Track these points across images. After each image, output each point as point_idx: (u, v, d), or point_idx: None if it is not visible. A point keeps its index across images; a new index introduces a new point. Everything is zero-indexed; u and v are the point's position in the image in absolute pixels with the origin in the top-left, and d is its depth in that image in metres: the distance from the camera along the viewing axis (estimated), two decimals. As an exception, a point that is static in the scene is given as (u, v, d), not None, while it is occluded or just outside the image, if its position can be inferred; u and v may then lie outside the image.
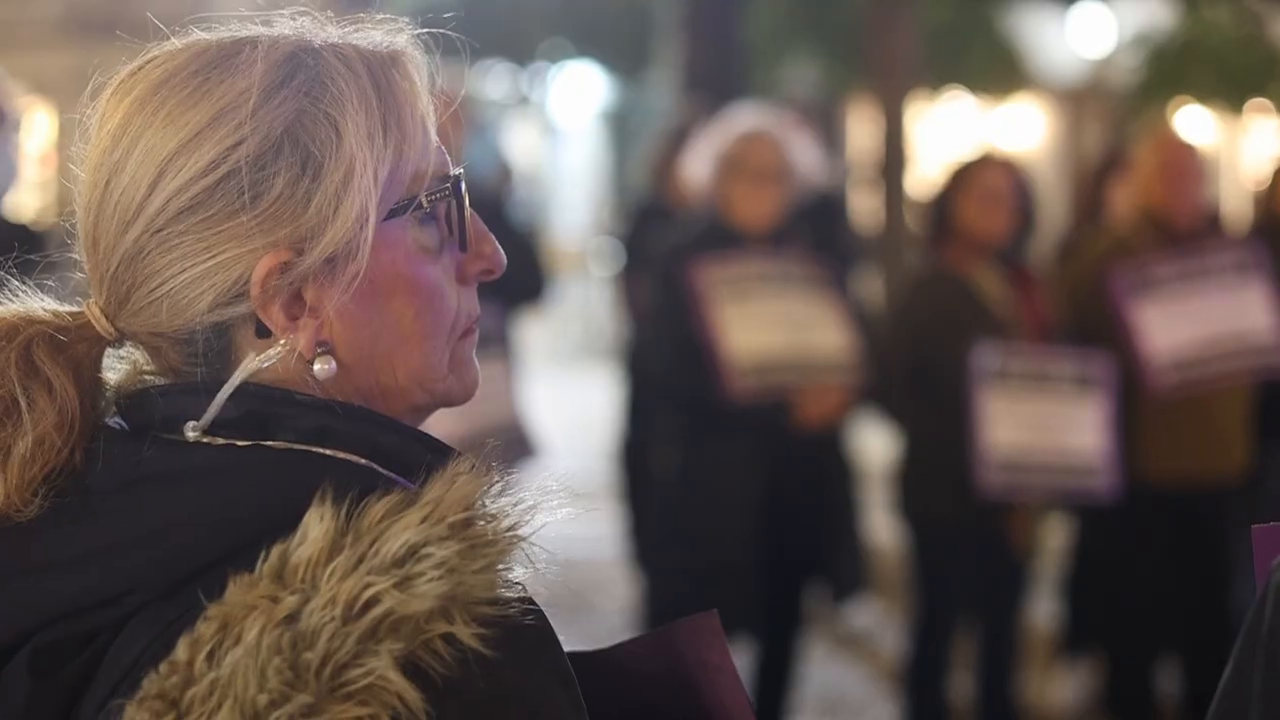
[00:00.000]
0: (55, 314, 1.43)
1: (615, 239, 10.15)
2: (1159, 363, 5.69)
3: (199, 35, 1.43)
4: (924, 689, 5.96)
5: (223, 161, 1.35)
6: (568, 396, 14.73)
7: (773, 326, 5.64)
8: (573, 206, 26.98)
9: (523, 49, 21.29)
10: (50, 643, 1.32)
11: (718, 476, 5.69)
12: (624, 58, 20.83)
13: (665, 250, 6.03)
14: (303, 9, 1.47)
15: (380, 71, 1.42)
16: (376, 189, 1.38)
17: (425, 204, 1.42)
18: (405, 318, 1.41)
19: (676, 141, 7.70)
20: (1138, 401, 5.76)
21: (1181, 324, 5.71)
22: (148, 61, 1.42)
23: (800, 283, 5.76)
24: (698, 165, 5.95)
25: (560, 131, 27.86)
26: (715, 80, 12.21)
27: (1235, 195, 18.61)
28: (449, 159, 1.46)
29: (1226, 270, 5.82)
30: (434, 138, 1.45)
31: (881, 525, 8.20)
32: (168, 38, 1.43)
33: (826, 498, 5.92)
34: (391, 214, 1.40)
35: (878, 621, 8.08)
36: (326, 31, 1.44)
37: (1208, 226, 6.28)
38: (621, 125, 25.19)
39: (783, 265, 5.77)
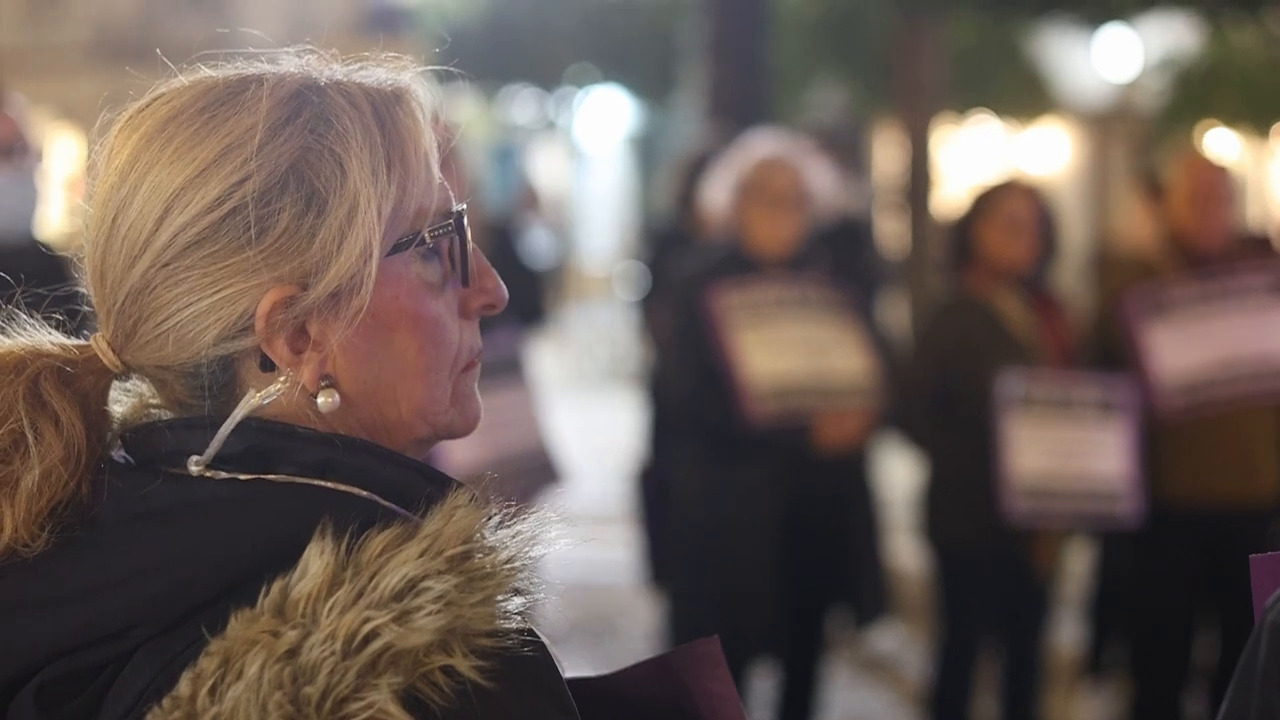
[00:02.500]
0: (63, 347, 1.44)
1: (639, 264, 10.15)
2: (1166, 385, 5.67)
3: (206, 73, 1.45)
4: (948, 713, 5.94)
5: (228, 197, 1.37)
6: (593, 421, 14.73)
7: (791, 351, 5.64)
8: (598, 231, 27.03)
9: (549, 74, 21.34)
10: (57, 677, 1.33)
11: (738, 501, 5.68)
12: (650, 82, 20.85)
13: (684, 276, 6.03)
14: (310, 45, 1.48)
15: (384, 108, 1.43)
16: (380, 225, 1.39)
17: (428, 239, 1.43)
18: (408, 352, 1.43)
19: (697, 167, 7.68)
20: (1161, 424, 5.74)
21: (1194, 346, 5.68)
22: (155, 98, 1.44)
23: (818, 307, 5.75)
24: (717, 191, 5.95)
25: (586, 156, 27.93)
26: (741, 105, 12.19)
27: (1261, 219, 18.55)
28: (452, 195, 1.48)
29: (1259, 291, 5.77)
30: (437, 174, 1.46)
31: (904, 549, 8.19)
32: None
33: (848, 522, 5.90)
34: (395, 249, 1.42)
35: (901, 646, 8.06)
36: (331, 69, 1.45)
37: (1248, 248, 6.22)
38: (648, 150, 25.24)
39: (801, 290, 5.76)
